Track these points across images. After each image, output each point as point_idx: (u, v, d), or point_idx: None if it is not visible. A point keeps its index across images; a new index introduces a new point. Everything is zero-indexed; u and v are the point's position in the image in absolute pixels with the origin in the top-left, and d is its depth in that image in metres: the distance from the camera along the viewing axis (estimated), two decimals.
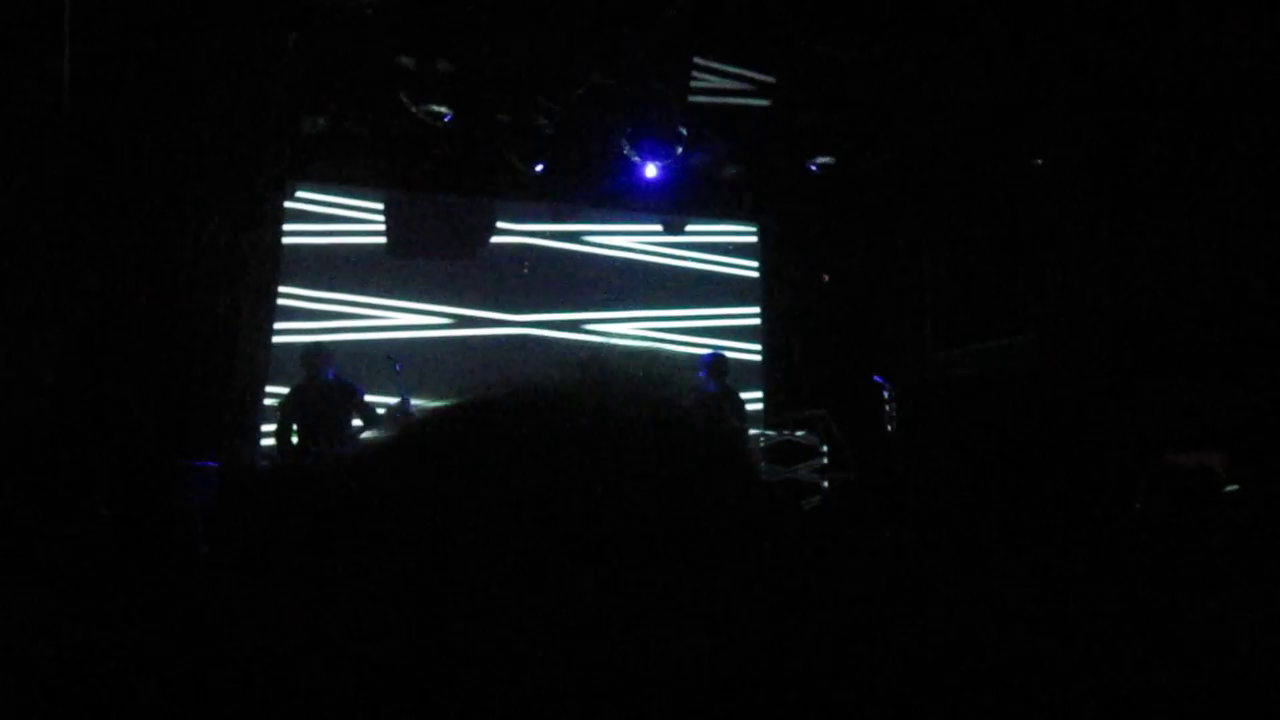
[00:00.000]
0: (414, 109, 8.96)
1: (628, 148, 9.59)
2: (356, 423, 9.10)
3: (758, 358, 11.72)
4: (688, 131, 9.65)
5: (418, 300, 11.18)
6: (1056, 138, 9.04)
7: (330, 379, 9.01)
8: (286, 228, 10.14)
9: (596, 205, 11.16)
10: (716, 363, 9.49)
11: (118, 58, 8.02)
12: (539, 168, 9.77)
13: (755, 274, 12.00)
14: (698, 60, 9.28)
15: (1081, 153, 8.91)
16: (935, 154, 9.83)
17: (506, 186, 10.25)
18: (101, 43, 7.68)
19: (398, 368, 9.32)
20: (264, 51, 8.46)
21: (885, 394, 9.11)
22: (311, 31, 8.42)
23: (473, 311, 11.33)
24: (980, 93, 9.02)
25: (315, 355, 9.07)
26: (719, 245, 12.19)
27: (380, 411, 9.12)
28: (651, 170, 9.84)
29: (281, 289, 10.06)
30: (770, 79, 9.71)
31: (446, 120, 9.09)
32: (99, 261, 8.33)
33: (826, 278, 10.91)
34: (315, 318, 10.65)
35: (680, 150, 9.68)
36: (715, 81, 9.69)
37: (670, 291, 11.99)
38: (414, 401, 9.25)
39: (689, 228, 11.81)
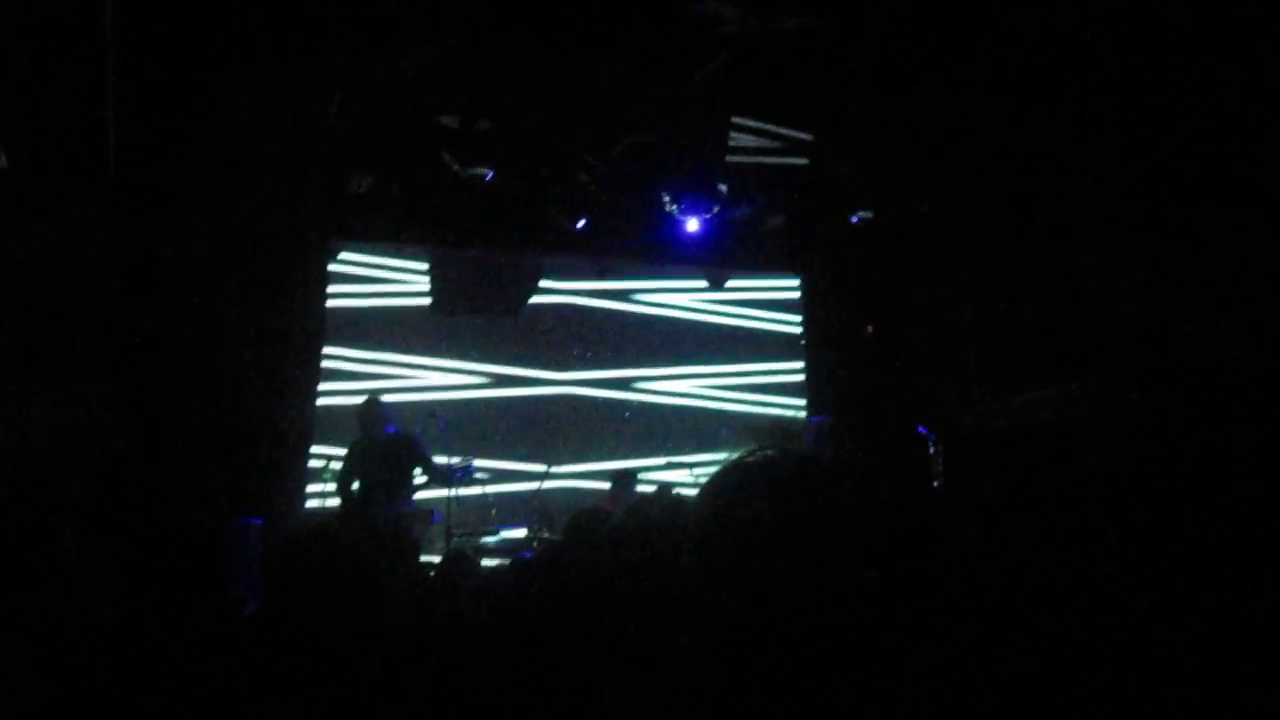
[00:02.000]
0: (456, 168, 9.04)
1: (669, 202, 9.61)
2: (420, 478, 9.01)
3: (803, 413, 11.64)
4: (729, 186, 9.66)
5: (461, 360, 11.22)
6: (1102, 180, 8.97)
7: (391, 433, 8.98)
8: (330, 289, 10.21)
9: (639, 260, 11.17)
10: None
11: (162, 121, 8.15)
12: (581, 223, 9.82)
13: (799, 329, 11.95)
14: (735, 120, 9.31)
15: (1128, 195, 8.84)
16: (978, 202, 9.78)
17: (549, 243, 10.29)
18: (146, 106, 7.80)
19: (441, 425, 9.31)
20: (309, 113, 8.57)
21: (930, 445, 9.00)
22: (355, 93, 8.52)
23: (516, 370, 11.36)
24: (1021, 139, 8.98)
25: (370, 410, 9.05)
26: (763, 301, 12.16)
27: (440, 465, 9.03)
28: (693, 224, 9.85)
29: (326, 350, 10.11)
30: (807, 137, 9.73)
31: (488, 178, 9.16)
32: (145, 322, 8.41)
33: (870, 329, 10.84)
34: (359, 379, 10.69)
35: (721, 204, 9.70)
36: (753, 141, 9.73)
37: (715, 348, 11.97)
38: (477, 462, 9.23)
39: (733, 284, 11.79)
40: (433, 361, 11.14)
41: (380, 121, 8.84)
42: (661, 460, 10.90)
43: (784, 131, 9.79)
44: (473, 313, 10.89)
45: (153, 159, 8.22)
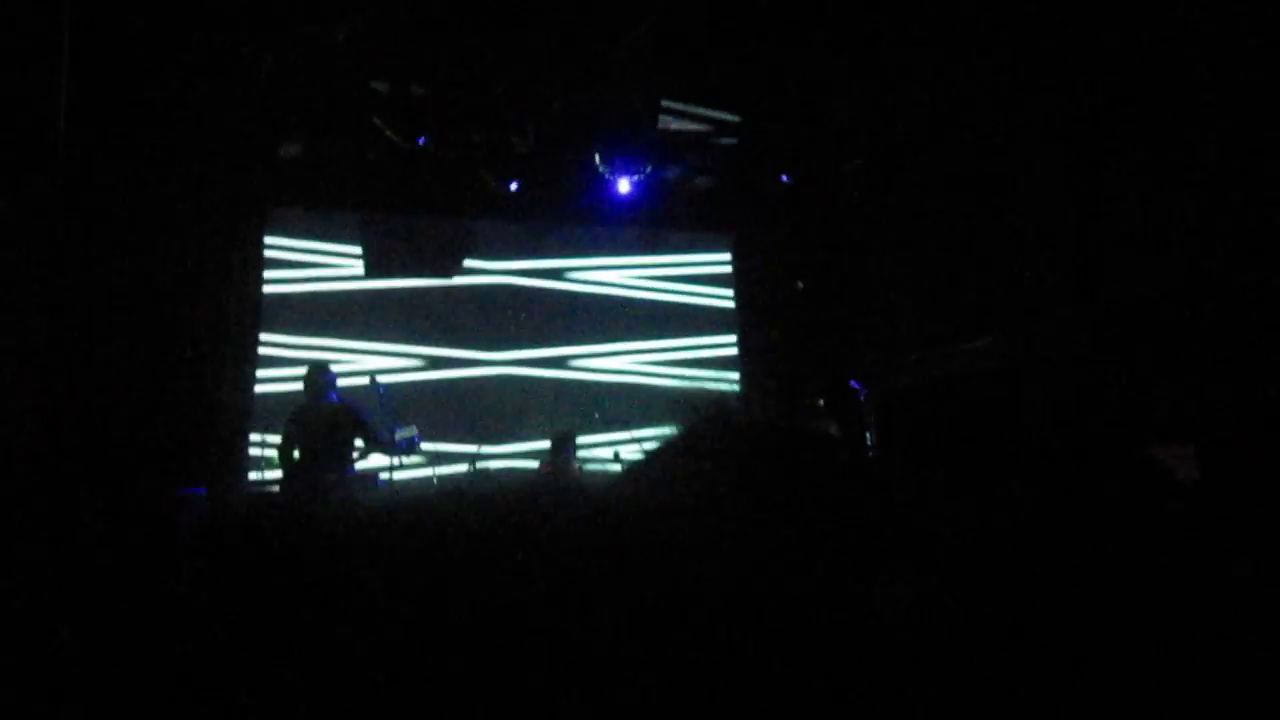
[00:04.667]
0: (388, 132, 9.09)
1: (600, 164, 9.73)
2: (359, 444, 8.93)
3: (737, 386, 11.71)
4: (659, 148, 9.81)
5: (397, 341, 11.18)
6: (1023, 137, 9.20)
7: (334, 400, 8.90)
8: (264, 274, 10.23)
9: (571, 223, 11.24)
10: None
11: (98, 93, 8.11)
12: (513, 186, 9.90)
13: (732, 304, 12.09)
14: (665, 104, 9.45)
15: (1048, 151, 9.06)
16: (904, 158, 9.99)
17: (482, 205, 10.36)
18: (95, 65, 7.77)
19: (380, 390, 9.27)
20: (240, 77, 8.57)
21: (861, 399, 9.12)
22: (285, 57, 8.55)
23: (453, 352, 11.33)
24: (947, 96, 9.20)
25: (316, 376, 8.95)
26: (697, 276, 12.26)
27: (383, 435, 8.95)
28: (625, 185, 9.98)
29: (262, 335, 10.11)
30: (735, 118, 9.91)
31: (421, 142, 9.23)
32: (85, 299, 8.36)
33: (800, 285, 11.01)
34: (295, 365, 10.61)
35: (652, 166, 9.84)
36: (681, 125, 9.91)
37: (650, 324, 12.00)
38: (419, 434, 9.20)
39: (667, 260, 11.90)
40: (369, 345, 11.09)
41: (311, 87, 8.86)
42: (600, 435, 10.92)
43: (712, 114, 9.97)
44: (407, 274, 10.88)
45: (97, 126, 8.17)
